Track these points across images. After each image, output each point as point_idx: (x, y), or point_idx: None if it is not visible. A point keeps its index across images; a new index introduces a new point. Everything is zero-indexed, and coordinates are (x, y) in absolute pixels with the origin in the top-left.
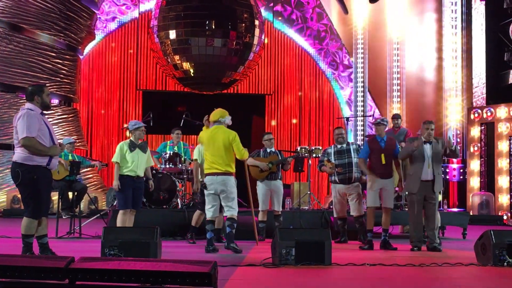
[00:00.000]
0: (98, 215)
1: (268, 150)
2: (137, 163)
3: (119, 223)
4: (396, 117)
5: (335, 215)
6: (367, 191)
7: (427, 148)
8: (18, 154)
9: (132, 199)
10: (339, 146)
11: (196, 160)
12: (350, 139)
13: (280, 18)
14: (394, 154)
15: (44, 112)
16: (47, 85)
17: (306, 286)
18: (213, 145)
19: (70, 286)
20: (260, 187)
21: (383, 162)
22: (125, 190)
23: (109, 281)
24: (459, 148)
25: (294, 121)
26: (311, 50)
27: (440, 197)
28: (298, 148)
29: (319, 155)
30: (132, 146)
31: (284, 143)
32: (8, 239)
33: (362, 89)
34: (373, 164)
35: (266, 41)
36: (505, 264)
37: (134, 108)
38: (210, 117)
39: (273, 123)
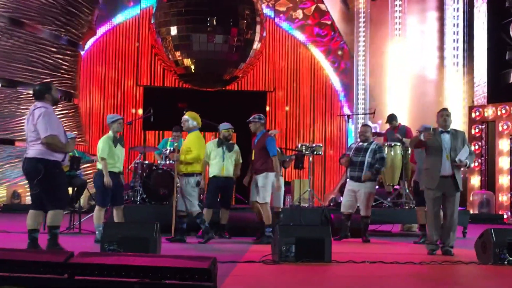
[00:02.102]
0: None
1: None
2: (120, 158)
3: (97, 220)
4: (392, 117)
5: (341, 210)
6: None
7: (445, 138)
8: (37, 150)
9: (112, 196)
10: (360, 143)
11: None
12: (351, 136)
13: (281, 14)
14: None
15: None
16: (47, 80)
17: (306, 283)
18: None
19: (70, 281)
20: None
21: (253, 158)
22: (108, 187)
23: (108, 276)
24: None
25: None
26: (313, 47)
27: None
28: (299, 146)
29: (320, 152)
30: (115, 141)
31: (285, 140)
32: (8, 233)
33: (363, 87)
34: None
35: (267, 37)
36: (506, 262)
37: (135, 104)
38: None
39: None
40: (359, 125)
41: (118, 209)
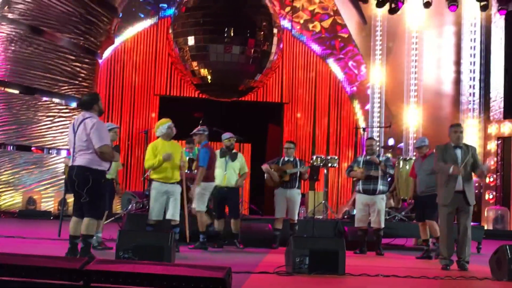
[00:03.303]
0: (113, 218)
1: (287, 158)
2: (114, 166)
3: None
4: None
5: (356, 225)
6: None
7: (457, 153)
8: (87, 159)
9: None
10: (368, 157)
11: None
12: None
13: (298, 27)
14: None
15: None
16: (65, 87)
17: None
18: None
19: None
20: (277, 194)
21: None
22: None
23: (123, 283)
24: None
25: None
26: (329, 60)
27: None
28: (314, 158)
29: (335, 165)
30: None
31: (300, 152)
32: (23, 239)
33: (379, 100)
34: None
35: (284, 49)
36: None
37: (151, 113)
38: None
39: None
40: (375, 138)
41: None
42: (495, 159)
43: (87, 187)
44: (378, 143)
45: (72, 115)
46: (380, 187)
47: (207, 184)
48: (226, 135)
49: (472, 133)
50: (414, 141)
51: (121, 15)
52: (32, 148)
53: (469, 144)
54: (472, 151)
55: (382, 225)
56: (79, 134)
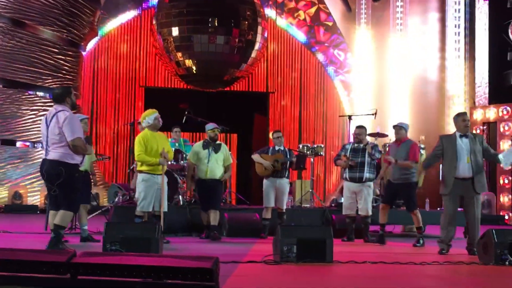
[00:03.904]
0: (100, 211)
1: (277, 148)
2: (88, 157)
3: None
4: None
5: (344, 212)
6: None
7: (465, 142)
8: (59, 153)
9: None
10: (356, 144)
11: (188, 159)
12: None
13: (283, 15)
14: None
15: None
16: (49, 80)
17: (307, 284)
18: None
19: (72, 281)
20: (266, 184)
21: None
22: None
23: (111, 276)
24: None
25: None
26: (314, 48)
27: None
28: (301, 146)
29: (321, 153)
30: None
31: (286, 141)
32: (9, 234)
33: (365, 87)
34: None
35: (268, 38)
36: (507, 263)
37: (136, 105)
38: None
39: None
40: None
41: (85, 207)
42: None
43: (59, 181)
44: (366, 131)
45: None
46: (367, 174)
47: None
48: (210, 126)
49: None
50: None
51: (104, 6)
52: (21, 143)
53: (477, 133)
54: (479, 139)
55: (370, 213)
56: (51, 128)
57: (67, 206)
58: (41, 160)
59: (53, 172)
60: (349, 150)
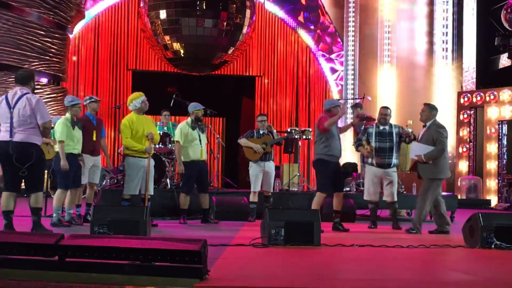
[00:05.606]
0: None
1: (261, 131)
2: (79, 140)
3: (57, 203)
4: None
5: (366, 198)
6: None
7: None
8: (27, 134)
9: (73, 178)
10: (381, 127)
11: (178, 141)
12: (339, 121)
13: None
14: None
15: None
16: (36, 63)
17: (295, 266)
18: None
19: (60, 263)
20: (253, 168)
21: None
22: (71, 169)
23: (98, 258)
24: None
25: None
26: (302, 32)
27: None
28: (289, 130)
29: (309, 137)
30: (73, 124)
31: (274, 124)
32: None
33: (353, 72)
34: None
35: (256, 22)
36: (493, 246)
37: (124, 88)
38: None
39: (262, 104)
40: (349, 110)
41: (77, 190)
42: (468, 129)
43: (30, 163)
44: (391, 112)
45: (43, 91)
46: (395, 160)
47: None
48: (197, 106)
49: (445, 103)
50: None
51: None
52: None
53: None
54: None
55: (395, 198)
56: (20, 109)
57: (37, 187)
58: None
59: (24, 154)
60: (374, 135)
